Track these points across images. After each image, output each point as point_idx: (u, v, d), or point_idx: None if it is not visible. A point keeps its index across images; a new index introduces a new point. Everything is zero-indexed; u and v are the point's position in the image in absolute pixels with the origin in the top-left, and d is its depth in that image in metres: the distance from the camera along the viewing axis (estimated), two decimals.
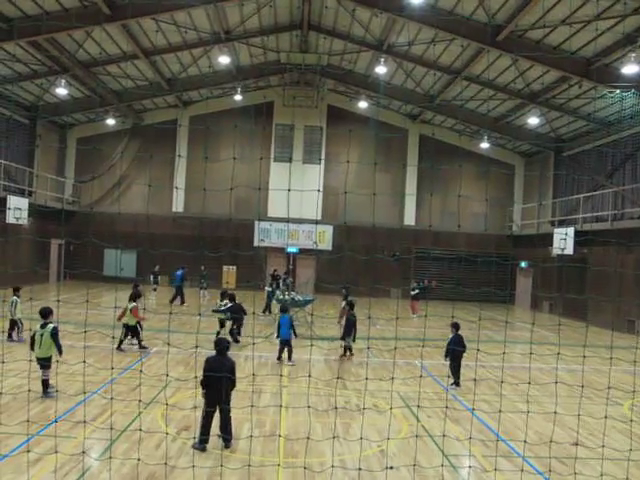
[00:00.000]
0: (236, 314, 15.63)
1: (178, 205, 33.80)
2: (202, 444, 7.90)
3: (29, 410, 8.47)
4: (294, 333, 14.19)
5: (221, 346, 8.37)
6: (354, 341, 14.62)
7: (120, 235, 30.76)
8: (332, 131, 33.56)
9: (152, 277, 28.30)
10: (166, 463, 6.85)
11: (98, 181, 33.79)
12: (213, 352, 8.40)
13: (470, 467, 7.80)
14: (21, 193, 28.28)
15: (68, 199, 33.87)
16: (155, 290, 27.80)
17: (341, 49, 27.58)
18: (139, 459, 6.72)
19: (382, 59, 25.32)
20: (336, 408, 8.93)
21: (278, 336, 14.12)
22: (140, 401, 8.56)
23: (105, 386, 10.53)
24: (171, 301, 23.28)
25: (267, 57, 29.08)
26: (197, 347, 12.40)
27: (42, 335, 9.99)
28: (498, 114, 29.90)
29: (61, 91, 27.46)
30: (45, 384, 10.03)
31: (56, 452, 6.65)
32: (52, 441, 7.51)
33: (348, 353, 14.80)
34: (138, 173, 33.96)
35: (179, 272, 24.59)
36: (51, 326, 10.06)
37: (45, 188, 31.35)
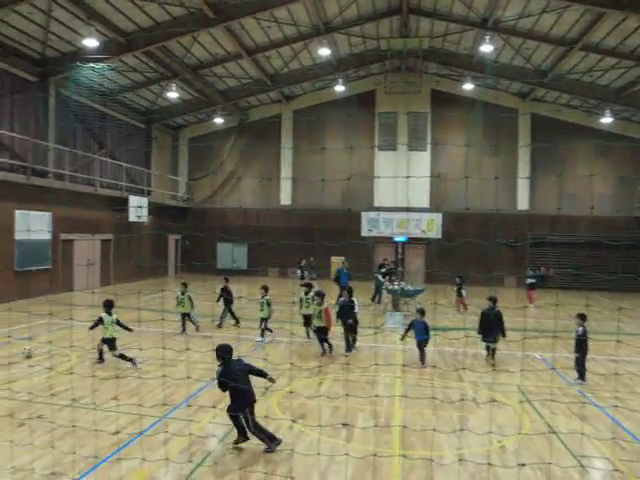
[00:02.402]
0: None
1: (286, 198, 34.53)
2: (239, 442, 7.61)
3: (160, 393, 8.97)
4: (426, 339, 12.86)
5: (224, 354, 7.64)
6: (504, 336, 12.66)
7: (231, 229, 31.97)
8: (437, 116, 32.59)
9: (299, 271, 27.57)
10: (292, 450, 6.94)
11: (209, 178, 35.30)
12: None
13: (605, 470, 7.21)
14: (141, 193, 30.20)
15: (182, 196, 35.72)
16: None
17: (443, 31, 26.68)
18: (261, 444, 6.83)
19: (487, 37, 24.18)
20: (456, 401, 8.61)
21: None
22: (267, 389, 8.79)
23: None
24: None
25: (367, 45, 28.78)
26: (309, 338, 12.66)
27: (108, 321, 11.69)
28: (622, 84, 27.48)
29: (172, 95, 28.93)
30: (123, 357, 11.38)
31: (190, 435, 6.95)
32: (178, 423, 7.92)
33: (489, 354, 12.89)
34: (246, 168, 35.05)
35: (341, 267, 22.61)
36: (114, 317, 11.68)
37: (161, 187, 33.32)
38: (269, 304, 14.60)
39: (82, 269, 25.19)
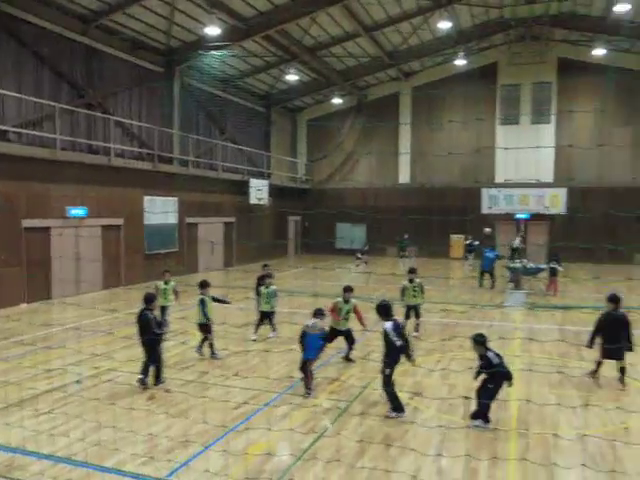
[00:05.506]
0: None
1: (404, 176, 34.32)
2: None
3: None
4: None
5: (387, 311, 8.16)
6: (631, 350, 9.40)
7: (350, 208, 32.26)
8: (563, 85, 30.54)
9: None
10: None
11: (328, 158, 35.84)
12: None
13: None
14: (261, 175, 31.34)
15: (302, 178, 36.64)
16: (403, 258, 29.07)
17: None
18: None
19: None
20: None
21: None
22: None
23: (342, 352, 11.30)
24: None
25: (490, 15, 27.45)
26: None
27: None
28: None
29: (291, 77, 29.59)
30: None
31: (307, 409, 7.28)
32: (297, 399, 8.34)
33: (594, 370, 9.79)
34: (364, 148, 35.07)
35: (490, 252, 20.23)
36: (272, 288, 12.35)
37: (281, 169, 34.43)
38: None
39: (206, 251, 26.68)
